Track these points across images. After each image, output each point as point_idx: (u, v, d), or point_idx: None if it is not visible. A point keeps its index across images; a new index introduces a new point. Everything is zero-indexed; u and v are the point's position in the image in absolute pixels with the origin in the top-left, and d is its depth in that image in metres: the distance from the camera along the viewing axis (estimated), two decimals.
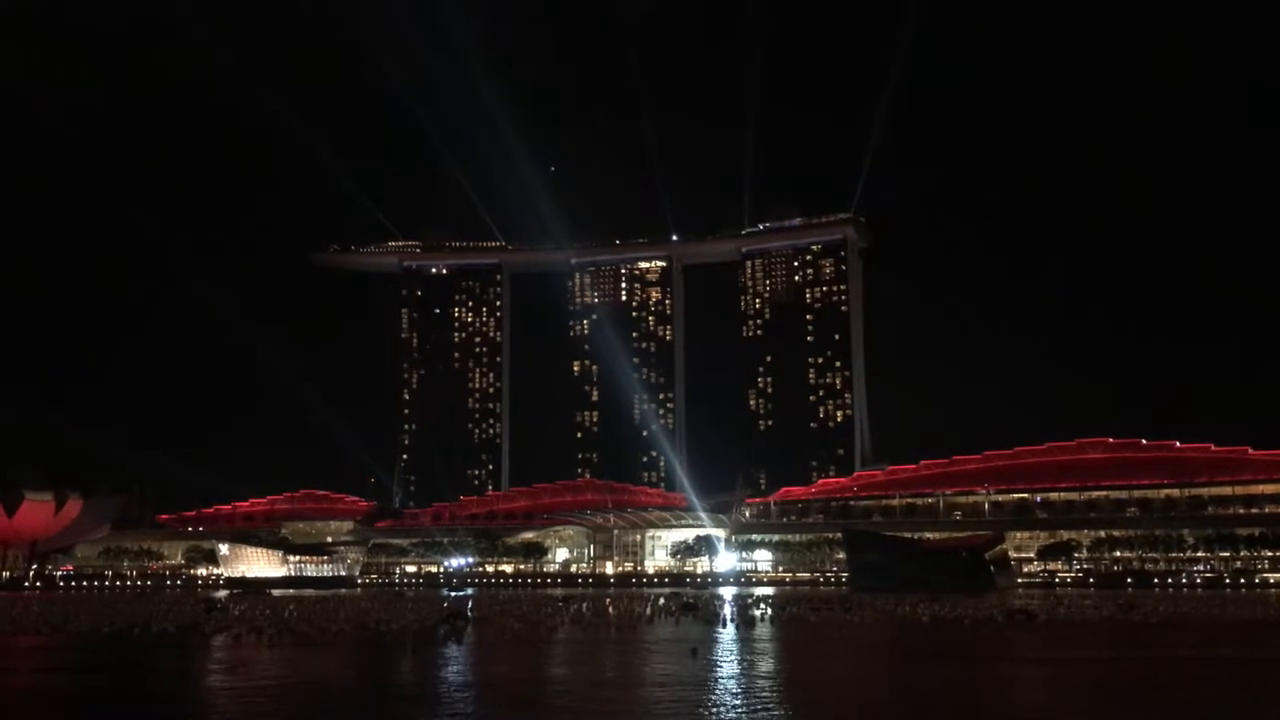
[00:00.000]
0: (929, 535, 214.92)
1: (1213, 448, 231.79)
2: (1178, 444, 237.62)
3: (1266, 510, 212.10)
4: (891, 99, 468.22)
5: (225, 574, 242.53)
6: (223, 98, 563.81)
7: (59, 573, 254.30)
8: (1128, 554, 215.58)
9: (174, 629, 71.82)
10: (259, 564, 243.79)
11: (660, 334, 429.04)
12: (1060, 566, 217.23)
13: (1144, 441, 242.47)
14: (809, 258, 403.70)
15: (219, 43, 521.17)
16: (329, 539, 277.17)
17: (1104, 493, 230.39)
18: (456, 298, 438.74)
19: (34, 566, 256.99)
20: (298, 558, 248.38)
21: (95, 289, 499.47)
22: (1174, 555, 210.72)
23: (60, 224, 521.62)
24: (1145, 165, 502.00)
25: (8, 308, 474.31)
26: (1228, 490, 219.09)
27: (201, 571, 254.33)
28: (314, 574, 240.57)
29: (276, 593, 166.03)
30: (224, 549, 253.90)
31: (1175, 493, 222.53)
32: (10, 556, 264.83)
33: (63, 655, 58.49)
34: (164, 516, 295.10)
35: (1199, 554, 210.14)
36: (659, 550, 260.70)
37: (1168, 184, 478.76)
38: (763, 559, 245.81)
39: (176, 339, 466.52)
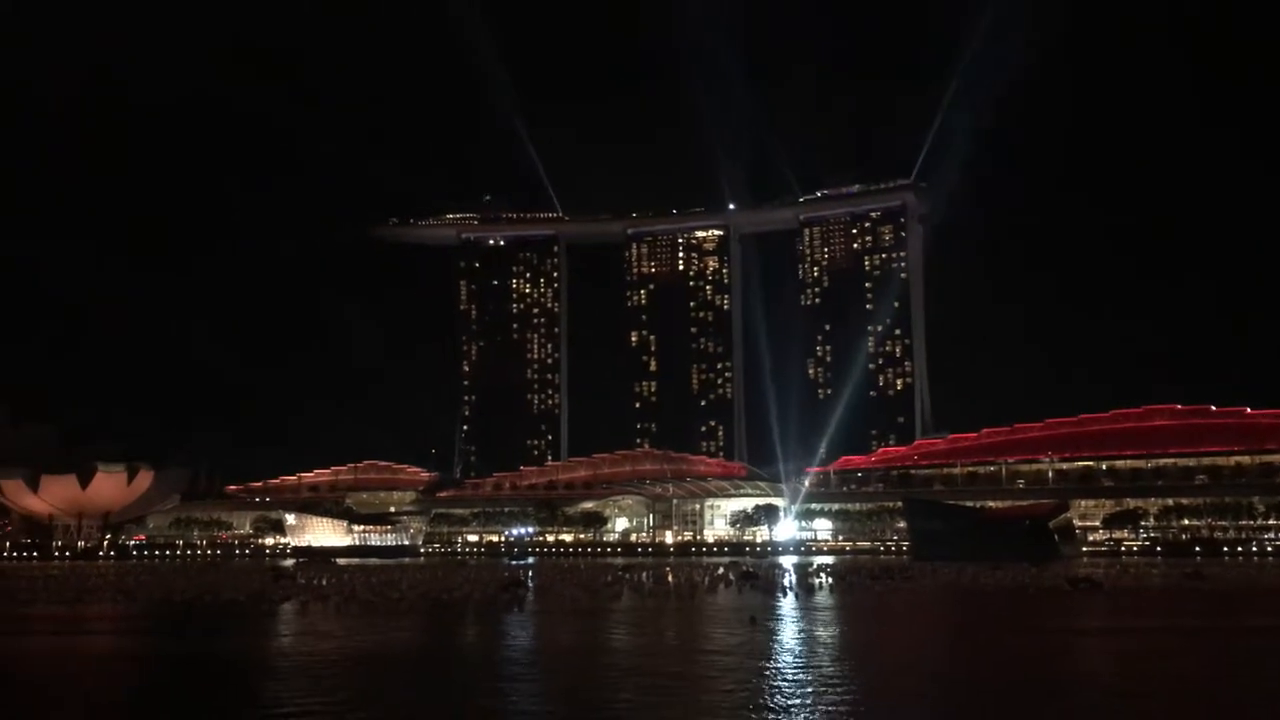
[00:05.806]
0: (991, 504, 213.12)
1: None
2: (1248, 410, 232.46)
3: None
4: (956, 65, 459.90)
5: (292, 543, 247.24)
6: (291, 71, 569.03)
7: (131, 542, 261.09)
8: (1196, 522, 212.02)
9: (243, 597, 73.46)
10: (325, 534, 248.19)
11: (718, 303, 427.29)
12: (1127, 535, 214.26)
13: (1213, 408, 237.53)
14: (868, 225, 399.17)
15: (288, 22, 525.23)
16: (392, 509, 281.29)
17: (1171, 460, 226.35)
18: (514, 269, 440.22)
19: (108, 536, 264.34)
20: (362, 528, 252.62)
21: (160, 266, 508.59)
22: (1244, 523, 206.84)
23: (134, 199, 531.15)
24: (1222, 131, 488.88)
25: (76, 289, 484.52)
26: None
27: (269, 541, 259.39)
28: (378, 544, 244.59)
29: (342, 562, 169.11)
30: (291, 519, 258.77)
31: (1245, 459, 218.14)
32: (85, 527, 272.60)
33: (137, 621, 60.06)
34: (232, 487, 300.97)
35: (1270, 522, 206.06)
36: (718, 519, 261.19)
37: (1252, 153, 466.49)
38: (822, 528, 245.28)
39: (241, 315, 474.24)
